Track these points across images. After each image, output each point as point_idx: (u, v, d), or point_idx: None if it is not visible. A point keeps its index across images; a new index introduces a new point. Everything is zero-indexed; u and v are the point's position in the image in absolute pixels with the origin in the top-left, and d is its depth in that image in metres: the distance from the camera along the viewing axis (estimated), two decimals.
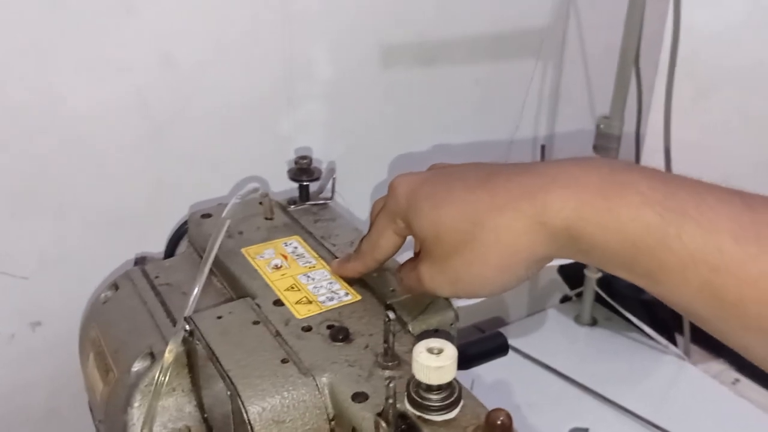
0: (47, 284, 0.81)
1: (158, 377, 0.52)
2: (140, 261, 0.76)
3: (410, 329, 0.52)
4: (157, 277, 0.63)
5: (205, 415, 0.54)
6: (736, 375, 1.54)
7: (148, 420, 0.52)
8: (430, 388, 0.42)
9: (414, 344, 0.42)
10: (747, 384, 1.50)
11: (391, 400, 0.40)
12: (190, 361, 0.54)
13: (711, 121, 1.36)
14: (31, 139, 0.73)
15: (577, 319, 1.18)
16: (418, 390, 0.42)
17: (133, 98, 0.76)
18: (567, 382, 1.05)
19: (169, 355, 0.52)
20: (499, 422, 0.40)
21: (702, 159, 1.40)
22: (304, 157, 0.68)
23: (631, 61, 0.94)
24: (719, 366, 1.59)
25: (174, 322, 0.57)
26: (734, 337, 0.38)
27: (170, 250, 0.72)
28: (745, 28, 1.19)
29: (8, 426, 0.85)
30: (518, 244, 0.44)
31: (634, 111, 1.05)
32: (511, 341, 1.12)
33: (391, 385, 0.41)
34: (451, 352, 0.41)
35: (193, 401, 0.55)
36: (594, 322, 1.18)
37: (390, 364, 0.47)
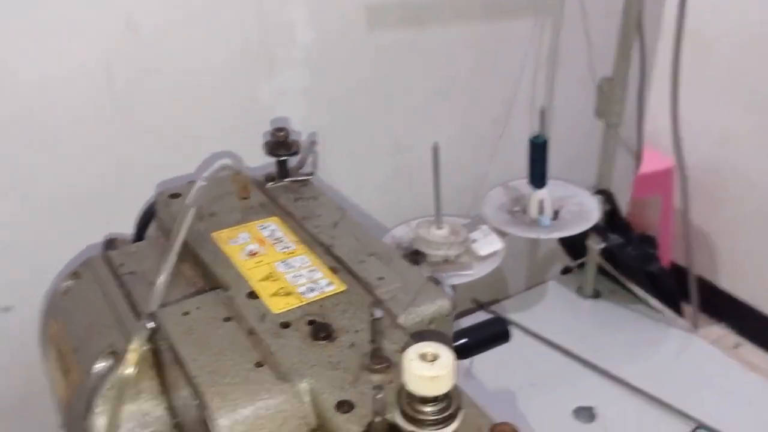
0: (14, 268, 0.76)
1: (121, 379, 0.47)
2: (109, 244, 0.70)
3: (401, 322, 0.47)
4: (121, 264, 0.57)
5: (177, 420, 0.49)
6: (737, 339, 1.51)
7: (112, 428, 0.47)
8: (424, 400, 0.36)
9: (403, 347, 0.36)
10: (749, 348, 1.47)
11: (379, 418, 0.35)
12: (157, 360, 0.48)
13: (713, 83, 1.31)
14: None
15: (580, 291, 1.13)
16: (410, 402, 0.37)
17: (93, 67, 0.70)
18: (569, 358, 1.00)
19: (132, 355, 0.47)
20: None
21: (705, 122, 1.35)
22: (280, 129, 0.61)
23: (634, 19, 0.88)
24: (720, 331, 1.55)
25: (139, 317, 0.51)
26: None
27: (139, 234, 0.65)
28: None
29: None
30: None
31: (637, 73, 0.99)
32: (510, 315, 1.08)
33: (378, 396, 0.35)
34: (447, 359, 0.35)
35: (163, 404, 0.49)
36: (597, 295, 1.12)
37: (378, 366, 0.41)
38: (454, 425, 0.36)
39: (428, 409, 0.36)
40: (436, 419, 0.36)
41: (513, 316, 1.07)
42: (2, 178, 0.71)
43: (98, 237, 0.76)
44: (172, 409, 0.49)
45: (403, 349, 0.39)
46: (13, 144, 0.70)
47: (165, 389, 0.49)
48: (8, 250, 0.75)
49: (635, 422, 0.91)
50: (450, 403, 0.37)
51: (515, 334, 1.05)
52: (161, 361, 0.48)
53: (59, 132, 0.71)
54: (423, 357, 0.35)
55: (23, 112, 0.68)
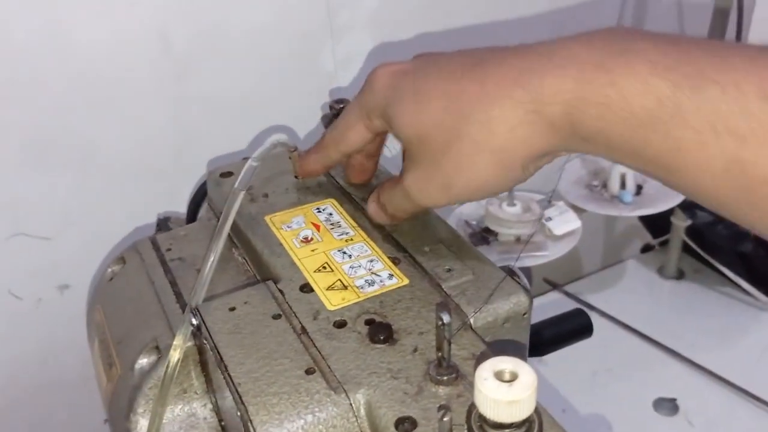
0: (71, 244, 0.75)
1: (164, 379, 0.43)
2: (162, 223, 0.66)
3: (471, 324, 0.41)
4: (168, 249, 0.53)
5: (223, 423, 0.45)
6: None
7: (155, 429, 0.43)
8: (499, 426, 0.31)
9: (476, 364, 0.31)
10: None
11: None
12: (202, 358, 0.44)
13: None
14: (42, 86, 0.66)
15: (661, 272, 1.05)
16: (483, 426, 0.31)
17: (152, 36, 0.66)
18: (650, 344, 0.93)
19: (174, 353, 0.43)
20: None
21: None
22: (340, 101, 0.56)
23: None
24: None
25: (184, 308, 0.47)
26: (759, 224, 0.33)
27: (191, 214, 0.61)
28: None
29: (43, 394, 0.81)
30: (513, 139, 0.38)
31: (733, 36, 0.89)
32: (585, 297, 1.02)
33: (445, 419, 0.30)
34: (528, 379, 0.30)
35: (209, 405, 0.45)
36: (681, 275, 1.04)
37: (445, 378, 0.36)
38: None
39: None
40: None
41: (588, 298, 1.01)
42: (70, 151, 0.70)
43: (155, 212, 0.75)
44: (218, 410, 0.45)
45: (475, 359, 0.34)
46: (78, 115, 0.68)
47: (211, 389, 0.45)
48: (66, 226, 0.73)
49: (722, 416, 0.84)
50: (530, 428, 0.31)
51: (591, 316, 0.98)
52: (207, 359, 0.44)
53: (121, 103, 0.69)
54: (499, 375, 0.30)
55: (86, 82, 0.66)
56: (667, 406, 0.86)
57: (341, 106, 0.56)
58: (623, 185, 0.88)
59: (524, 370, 0.30)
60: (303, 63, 0.75)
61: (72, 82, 0.66)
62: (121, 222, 0.76)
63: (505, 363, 0.30)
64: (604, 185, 0.90)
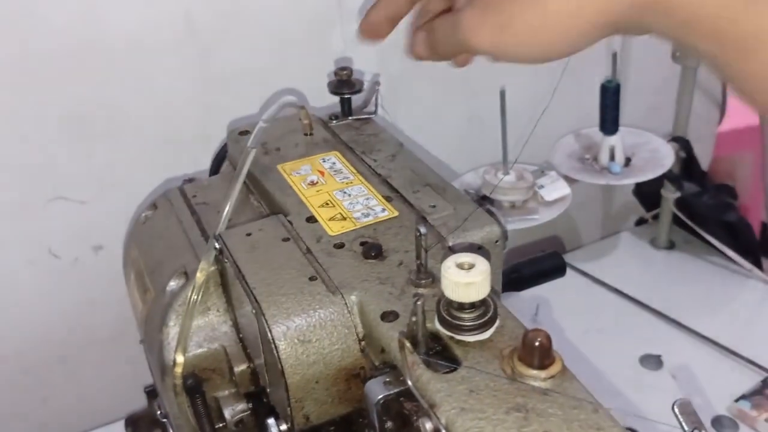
0: (105, 208, 0.81)
1: (191, 296, 0.51)
2: (188, 183, 0.74)
3: (449, 245, 0.49)
4: (194, 196, 0.61)
5: (240, 335, 0.52)
6: None
7: (182, 339, 0.51)
8: (461, 307, 0.38)
9: (442, 260, 0.38)
10: None
11: (415, 318, 0.37)
12: (223, 280, 0.52)
13: None
14: (79, 63, 0.72)
15: (653, 243, 1.11)
16: (449, 309, 0.39)
17: (178, 17, 0.74)
18: (640, 307, 0.99)
19: (200, 274, 0.51)
20: (537, 343, 0.36)
21: None
22: (344, 68, 0.63)
23: None
24: None
25: (208, 241, 0.55)
26: None
27: (214, 170, 0.70)
28: None
29: (77, 347, 0.87)
30: None
31: None
32: (582, 265, 1.08)
33: (418, 302, 0.37)
34: (482, 267, 0.37)
35: (229, 321, 0.53)
36: (671, 246, 1.10)
37: (423, 281, 0.44)
38: (490, 331, 0.38)
39: (465, 315, 0.38)
40: (473, 325, 0.38)
41: (584, 266, 1.07)
42: (104, 122, 0.76)
43: (180, 179, 0.82)
44: (236, 326, 0.53)
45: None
46: (112, 89, 0.74)
47: (230, 307, 0.53)
48: (101, 191, 0.80)
49: (704, 372, 0.90)
50: (486, 310, 0.39)
51: (586, 283, 1.04)
52: (227, 281, 0.52)
53: (149, 78, 0.75)
54: (460, 266, 0.37)
55: (117, 59, 0.73)
56: (653, 361, 0.92)
57: (345, 71, 0.64)
58: (612, 157, 0.94)
59: (480, 261, 0.37)
60: (314, 43, 0.81)
61: (106, 59, 0.73)
62: (150, 188, 0.82)
63: (465, 257, 0.38)
64: (595, 158, 0.96)
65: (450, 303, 0.38)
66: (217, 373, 0.52)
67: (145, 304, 0.56)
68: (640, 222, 1.16)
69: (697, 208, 1.03)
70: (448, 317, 0.38)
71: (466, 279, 0.36)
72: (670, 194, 1.04)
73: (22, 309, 0.82)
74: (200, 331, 0.52)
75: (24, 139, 0.74)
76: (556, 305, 0.99)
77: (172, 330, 0.51)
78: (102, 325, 0.87)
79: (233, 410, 0.53)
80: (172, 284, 0.53)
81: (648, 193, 1.11)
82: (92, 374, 0.89)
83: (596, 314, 0.98)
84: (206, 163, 0.81)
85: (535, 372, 0.36)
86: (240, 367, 0.52)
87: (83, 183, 0.79)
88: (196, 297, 0.51)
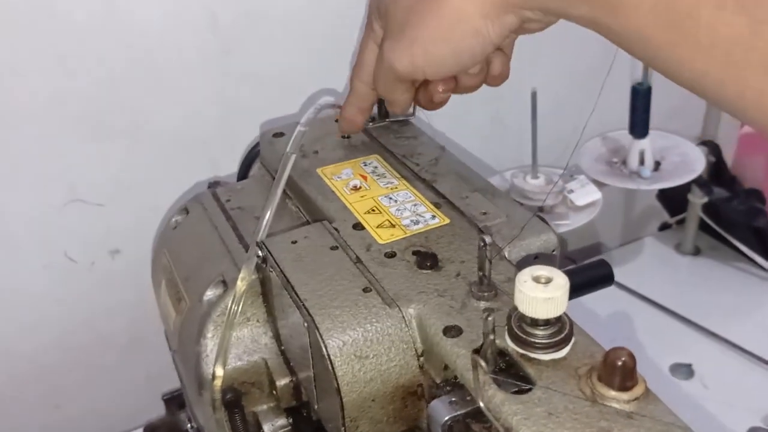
0: (123, 211, 0.79)
1: (231, 307, 0.48)
2: (214, 185, 0.72)
3: (506, 255, 0.46)
4: (228, 200, 0.58)
5: (282, 347, 0.50)
6: None
7: (222, 352, 0.49)
8: (535, 323, 0.36)
9: (516, 272, 0.36)
10: None
11: (491, 336, 0.34)
12: (264, 290, 0.50)
13: None
14: (98, 61, 0.70)
15: (679, 248, 1.09)
16: (521, 324, 0.36)
17: (200, 15, 0.71)
18: (667, 314, 0.97)
19: (241, 283, 0.48)
20: (620, 363, 0.34)
21: None
22: None
23: None
24: None
25: (246, 248, 0.52)
26: (688, 65, 0.34)
27: (243, 173, 0.67)
28: None
29: (93, 353, 0.85)
30: None
31: None
32: None
33: (489, 318, 0.35)
34: (561, 281, 0.35)
35: (269, 332, 0.50)
36: (697, 252, 1.08)
37: (486, 294, 0.41)
38: (566, 349, 0.36)
39: (540, 332, 0.36)
40: (548, 342, 0.36)
41: None
42: (123, 122, 0.74)
43: (202, 180, 0.79)
44: (278, 338, 0.50)
45: (515, 275, 0.39)
46: (131, 88, 0.72)
47: (271, 317, 0.50)
48: (118, 194, 0.78)
49: (735, 380, 0.88)
50: (562, 327, 0.36)
51: (611, 289, 1.02)
52: (268, 291, 0.49)
53: (170, 77, 0.73)
54: (537, 279, 0.35)
55: (139, 57, 0.71)
56: (683, 370, 0.90)
57: None
58: (642, 161, 0.92)
59: (558, 275, 0.35)
60: (338, 43, 0.79)
61: (125, 57, 0.71)
62: (169, 191, 0.80)
63: (542, 270, 0.35)
64: (624, 162, 0.94)
65: (522, 318, 0.36)
66: (256, 387, 0.50)
67: (179, 314, 0.54)
68: (664, 227, 1.14)
69: (726, 213, 1.01)
70: (521, 333, 0.36)
71: (544, 294, 0.34)
72: (697, 199, 1.02)
73: (37, 313, 0.80)
74: (240, 343, 0.49)
75: (40, 139, 0.71)
76: (580, 313, 0.96)
77: (211, 342, 0.49)
78: (118, 331, 0.85)
79: (273, 426, 0.50)
80: (209, 293, 0.51)
81: (673, 198, 1.09)
82: (107, 380, 0.87)
83: (623, 321, 0.96)
84: (226, 165, 0.79)
85: (616, 393, 0.34)
86: (282, 381, 0.49)
87: (100, 185, 0.77)
88: (236, 307, 0.48)
